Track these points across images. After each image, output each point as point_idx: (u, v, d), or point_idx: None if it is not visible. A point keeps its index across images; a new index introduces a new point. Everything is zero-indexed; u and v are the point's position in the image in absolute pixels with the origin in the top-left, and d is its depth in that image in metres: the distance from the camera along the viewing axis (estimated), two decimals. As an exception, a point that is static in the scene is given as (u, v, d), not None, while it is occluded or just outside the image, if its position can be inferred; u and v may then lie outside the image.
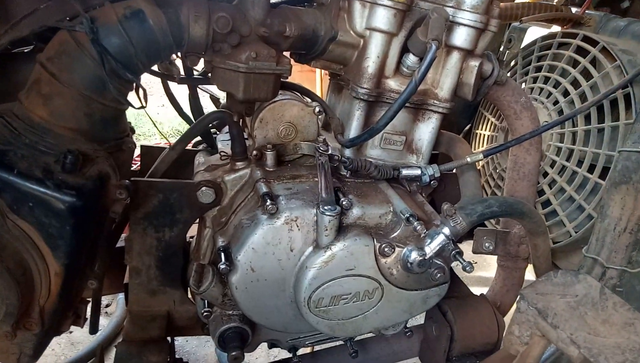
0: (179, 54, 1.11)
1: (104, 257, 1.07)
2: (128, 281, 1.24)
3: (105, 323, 2.43)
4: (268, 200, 1.04)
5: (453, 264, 1.11)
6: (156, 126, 1.40)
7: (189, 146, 1.41)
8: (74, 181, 0.89)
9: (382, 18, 1.09)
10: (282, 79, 1.15)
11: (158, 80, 1.24)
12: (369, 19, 1.11)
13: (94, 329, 1.32)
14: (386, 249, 1.05)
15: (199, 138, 1.43)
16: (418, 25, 1.12)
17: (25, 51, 1.20)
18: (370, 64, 1.12)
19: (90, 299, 1.23)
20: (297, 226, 1.04)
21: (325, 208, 1.02)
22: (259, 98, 1.07)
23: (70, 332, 2.47)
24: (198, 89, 1.34)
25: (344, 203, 1.05)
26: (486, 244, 1.40)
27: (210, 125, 1.32)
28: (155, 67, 1.25)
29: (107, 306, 2.64)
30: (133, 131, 1.10)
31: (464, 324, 1.31)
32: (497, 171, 1.63)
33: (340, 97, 1.28)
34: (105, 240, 1.05)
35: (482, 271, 2.81)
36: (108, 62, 0.93)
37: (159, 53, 0.98)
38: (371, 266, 1.06)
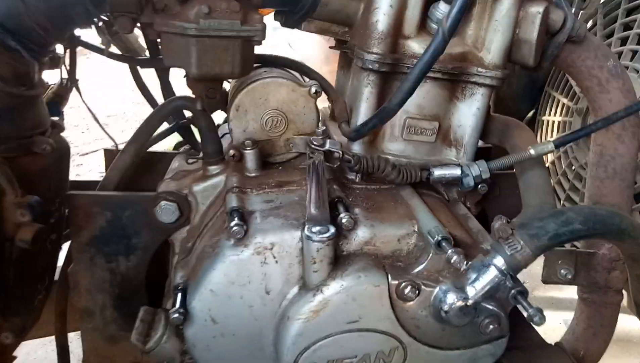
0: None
1: (20, 302, 0.79)
2: (79, 325, 0.97)
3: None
4: (235, 219, 0.72)
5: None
6: (102, 127, 1.11)
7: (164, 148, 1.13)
8: None
9: (395, -52, 0.74)
10: (260, 49, 0.84)
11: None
12: (376, -49, 0.77)
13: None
14: (407, 290, 0.70)
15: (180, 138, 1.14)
16: (450, -42, 0.77)
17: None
18: (381, 17, 0.78)
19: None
20: (274, 257, 0.71)
21: (313, 230, 0.68)
22: (222, 74, 0.76)
23: None
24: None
25: (343, 220, 0.72)
26: (562, 271, 1.00)
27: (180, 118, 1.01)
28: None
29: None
30: (59, 129, 0.81)
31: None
32: (573, 168, 1.22)
33: (350, 74, 0.94)
34: (19, 281, 0.78)
35: (556, 291, 2.34)
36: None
37: (68, 15, 0.69)
38: (385, 317, 0.71)
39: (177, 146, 1.14)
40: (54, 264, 0.95)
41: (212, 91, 0.77)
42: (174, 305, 0.77)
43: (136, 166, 1.04)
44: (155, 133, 1.01)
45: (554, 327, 2.34)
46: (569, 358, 0.99)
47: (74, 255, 0.90)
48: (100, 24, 0.81)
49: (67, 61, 0.93)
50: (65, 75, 1.02)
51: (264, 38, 0.74)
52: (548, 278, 1.02)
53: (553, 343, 1.09)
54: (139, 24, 0.75)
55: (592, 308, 1.07)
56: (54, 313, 0.97)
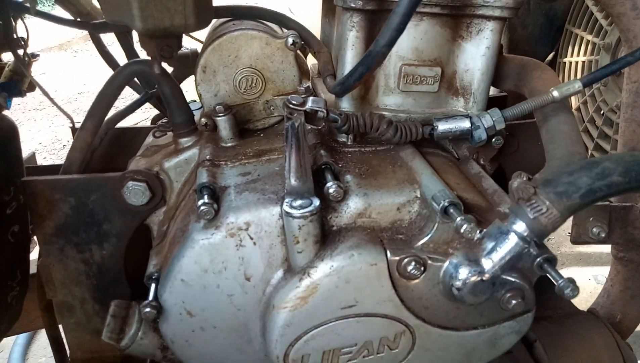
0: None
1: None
2: (60, 322, 0.89)
3: None
4: (203, 197, 0.62)
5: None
6: (55, 104, 0.98)
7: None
8: None
9: None
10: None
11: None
12: None
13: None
14: (410, 267, 0.59)
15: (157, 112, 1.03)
16: None
17: None
18: (362, -58, 0.64)
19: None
20: (251, 239, 0.61)
21: (294, 204, 0.57)
22: (174, 27, 0.63)
23: None
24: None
25: (330, 190, 0.61)
26: (594, 229, 0.88)
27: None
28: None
29: None
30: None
31: None
32: (602, 113, 1.07)
33: (335, 21, 0.81)
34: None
35: (584, 245, 2.21)
36: None
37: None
38: (386, 299, 0.61)
39: (155, 119, 1.03)
40: (24, 257, 0.87)
41: (166, 49, 0.65)
42: (147, 297, 0.68)
43: (108, 144, 0.95)
44: (124, 106, 0.91)
45: (583, 285, 2.23)
46: (604, 326, 0.88)
47: (41, 247, 0.82)
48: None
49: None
50: (21, 51, 0.91)
51: (220, -23, 0.62)
52: (578, 238, 0.90)
53: (583, 304, 0.99)
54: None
55: (630, 268, 0.95)
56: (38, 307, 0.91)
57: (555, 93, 0.69)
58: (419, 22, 0.70)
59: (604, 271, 2.29)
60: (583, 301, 1.02)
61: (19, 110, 4.54)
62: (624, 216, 0.89)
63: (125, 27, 0.78)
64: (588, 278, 2.22)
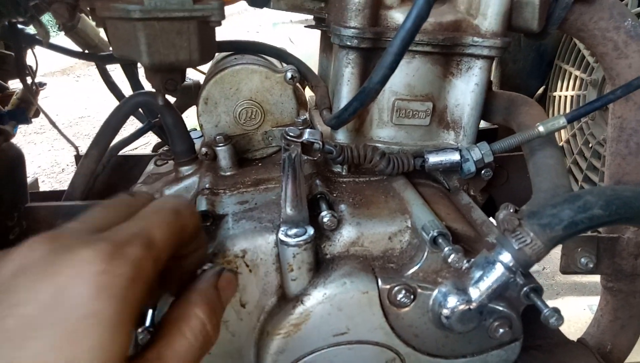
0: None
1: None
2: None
3: None
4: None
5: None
6: (60, 131, 1.02)
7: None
8: None
9: None
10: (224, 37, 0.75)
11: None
12: None
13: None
14: (400, 295, 0.61)
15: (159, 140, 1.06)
16: None
17: None
18: (357, -14, 0.68)
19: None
20: (247, 266, 0.63)
21: (289, 233, 0.60)
22: (179, 62, 0.67)
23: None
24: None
25: (325, 219, 0.63)
26: (582, 259, 0.90)
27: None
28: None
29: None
30: (6, 135, 0.74)
31: (554, 393, 0.83)
32: (590, 146, 1.11)
33: (332, 56, 0.85)
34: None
35: (579, 274, 2.22)
36: None
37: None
38: (377, 327, 0.62)
39: (156, 147, 1.06)
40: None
41: (171, 83, 0.68)
42: (143, 322, 0.69)
43: (110, 171, 0.97)
44: (128, 134, 0.94)
45: (578, 314, 2.22)
46: (593, 357, 0.89)
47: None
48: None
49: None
50: (30, 80, 0.94)
51: (222, 18, 0.66)
52: (567, 268, 0.92)
53: (578, 335, 1.00)
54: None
55: (619, 298, 0.97)
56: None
57: (541, 128, 0.72)
58: (411, 59, 0.74)
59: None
60: (578, 332, 1.04)
61: (20, 133, 4.59)
62: (612, 247, 0.91)
63: (132, 60, 0.82)
64: (583, 308, 2.22)
